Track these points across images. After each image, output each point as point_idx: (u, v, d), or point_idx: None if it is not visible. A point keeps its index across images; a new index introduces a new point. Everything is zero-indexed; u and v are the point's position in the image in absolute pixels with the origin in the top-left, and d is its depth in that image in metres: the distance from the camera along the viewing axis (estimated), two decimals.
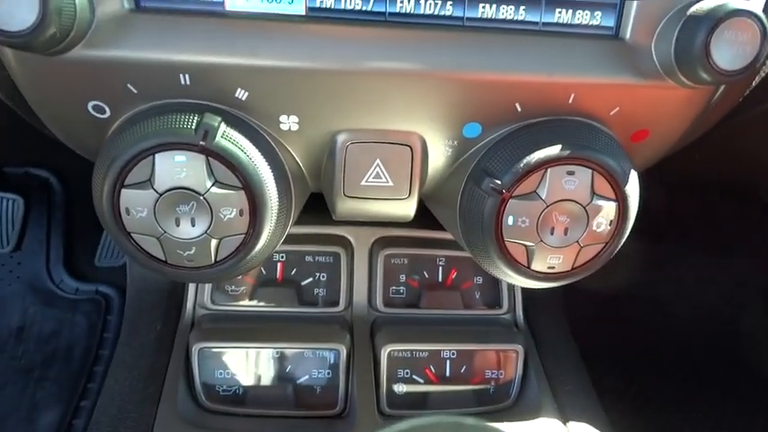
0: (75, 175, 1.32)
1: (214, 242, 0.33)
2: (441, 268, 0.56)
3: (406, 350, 0.51)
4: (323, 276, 0.55)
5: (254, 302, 0.54)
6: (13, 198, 1.17)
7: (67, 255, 1.31)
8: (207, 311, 0.54)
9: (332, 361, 0.51)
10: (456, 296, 0.56)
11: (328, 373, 0.51)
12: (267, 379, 0.50)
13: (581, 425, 0.48)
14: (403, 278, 0.56)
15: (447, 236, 0.55)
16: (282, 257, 0.54)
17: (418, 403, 0.50)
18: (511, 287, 0.57)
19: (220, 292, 0.54)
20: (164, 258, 0.34)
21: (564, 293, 0.73)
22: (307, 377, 0.51)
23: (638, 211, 0.36)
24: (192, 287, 0.54)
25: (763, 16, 0.30)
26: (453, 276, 0.56)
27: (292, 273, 0.55)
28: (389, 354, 0.50)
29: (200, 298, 0.54)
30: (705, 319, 1.29)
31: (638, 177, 0.36)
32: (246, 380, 0.50)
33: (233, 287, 0.54)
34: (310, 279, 0.55)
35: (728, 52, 0.30)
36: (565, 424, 0.48)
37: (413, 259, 0.56)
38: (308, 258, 0.55)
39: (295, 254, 0.54)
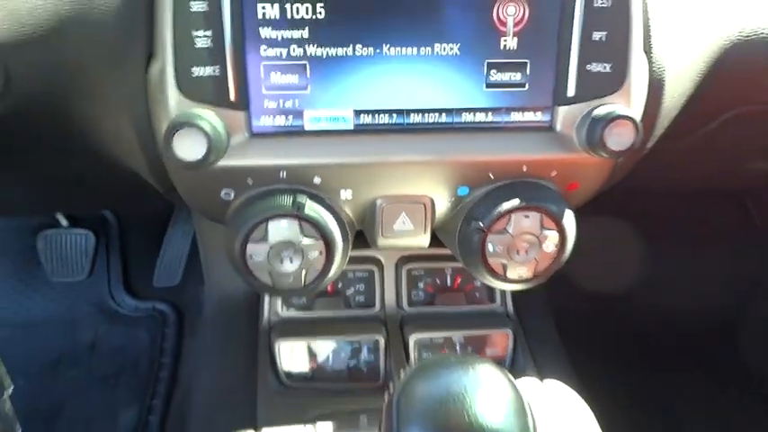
0: (127, 212, 1.52)
1: (304, 272, 0.53)
2: (449, 276, 0.76)
3: (427, 337, 0.70)
4: (361, 287, 0.75)
5: (313, 309, 0.74)
6: (84, 233, 1.38)
7: (125, 279, 1.52)
8: (278, 318, 0.74)
9: (373, 348, 0.70)
10: (461, 296, 0.76)
11: (372, 357, 0.70)
12: (329, 363, 0.70)
13: (554, 381, 0.67)
14: (421, 285, 0.75)
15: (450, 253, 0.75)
16: None
17: None
18: (503, 291, 0.77)
19: (288, 303, 0.74)
20: (271, 285, 0.54)
21: (548, 293, 0.92)
22: (356, 360, 0.70)
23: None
24: (266, 302, 0.74)
25: (636, 119, 0.49)
26: (459, 281, 0.76)
27: (339, 285, 0.74)
28: (416, 340, 0.70)
29: (274, 308, 0.74)
30: (696, 313, 1.46)
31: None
32: (314, 364, 0.70)
33: (297, 299, 0.74)
34: (352, 289, 0.74)
35: (616, 140, 0.50)
36: (542, 381, 0.67)
37: (428, 271, 0.75)
38: (350, 274, 0.74)
39: (342, 271, 0.74)
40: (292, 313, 0.74)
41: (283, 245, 0.51)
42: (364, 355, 0.70)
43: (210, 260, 0.84)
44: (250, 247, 0.51)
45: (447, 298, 0.75)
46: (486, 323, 0.73)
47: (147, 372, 1.35)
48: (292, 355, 0.70)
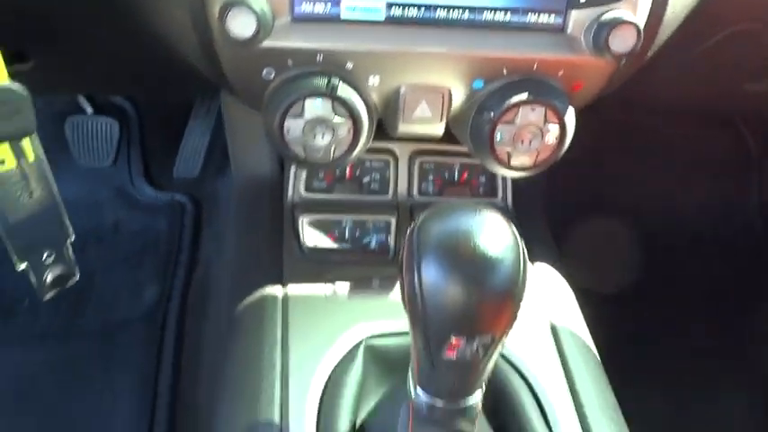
0: (144, 104, 1.58)
1: (333, 147, 0.61)
2: (456, 171, 0.84)
3: None
4: (377, 176, 0.82)
5: (333, 192, 0.82)
6: (108, 122, 1.44)
7: (146, 169, 1.60)
8: (300, 198, 0.82)
9: (385, 228, 0.79)
10: (466, 189, 0.84)
11: (383, 236, 0.79)
12: (345, 238, 0.79)
13: (542, 264, 0.77)
14: (431, 177, 0.83)
15: (460, 150, 0.82)
16: (351, 163, 0.82)
17: None
18: (504, 184, 0.85)
19: (310, 186, 0.82)
20: (304, 157, 0.61)
21: (544, 199, 0.99)
22: (369, 238, 0.79)
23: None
24: (291, 182, 0.82)
25: (639, 25, 0.55)
26: (465, 176, 0.84)
27: (357, 173, 0.82)
28: None
29: (297, 189, 0.82)
30: (685, 227, 1.55)
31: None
32: (332, 239, 0.79)
33: (318, 182, 0.82)
34: (369, 177, 0.82)
35: (619, 43, 0.56)
36: (531, 264, 0.77)
37: (438, 165, 0.83)
38: (368, 163, 0.82)
39: (359, 160, 0.81)
40: (313, 195, 0.82)
41: (317, 121, 0.59)
42: (377, 234, 0.79)
43: (238, 144, 0.91)
44: (288, 122, 0.59)
45: (453, 191, 0.84)
46: None
47: (167, 254, 1.46)
48: (313, 229, 0.79)
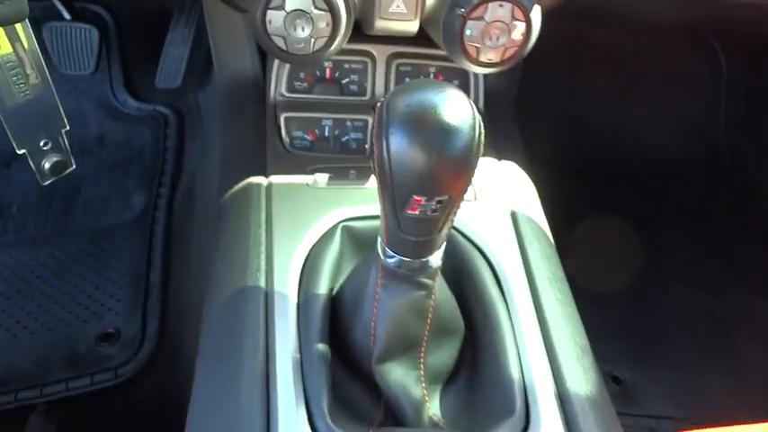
0: (121, 12, 1.56)
1: (313, 40, 0.64)
2: (432, 74, 0.88)
3: None
4: (355, 77, 0.86)
5: (313, 93, 0.86)
6: (87, 28, 1.43)
7: (127, 81, 1.61)
8: (282, 98, 0.86)
9: (362, 126, 0.84)
10: None
11: (360, 134, 0.84)
12: (325, 136, 0.84)
13: (509, 162, 0.83)
14: (407, 79, 0.87)
15: (436, 53, 0.86)
16: (330, 64, 0.85)
17: None
18: (477, 85, 0.89)
19: (291, 85, 0.86)
20: (285, 49, 0.65)
21: (516, 104, 1.04)
22: (347, 136, 0.84)
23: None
24: (273, 82, 0.85)
25: None
26: (440, 79, 0.88)
27: (336, 74, 0.86)
28: None
29: (279, 89, 0.86)
30: (656, 145, 1.61)
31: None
32: (312, 136, 0.83)
33: (299, 83, 0.86)
34: (348, 78, 0.86)
35: None
36: (499, 161, 0.83)
37: (414, 67, 0.87)
38: (346, 65, 0.85)
39: (339, 61, 0.85)
40: (295, 95, 0.86)
41: (297, 13, 0.62)
42: (355, 132, 0.84)
43: (221, 47, 0.93)
44: (269, 14, 0.62)
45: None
46: None
47: (152, 163, 1.49)
48: (294, 126, 0.83)
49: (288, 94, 0.86)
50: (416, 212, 0.46)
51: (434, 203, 0.46)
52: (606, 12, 0.94)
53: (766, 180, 1.57)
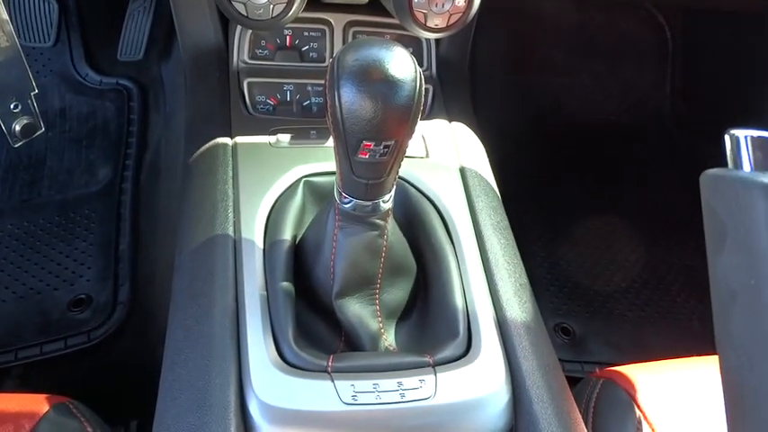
0: None
1: (272, 6, 0.69)
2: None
3: None
4: (315, 45, 0.91)
5: (275, 60, 0.91)
6: (47, 0, 1.43)
7: (88, 54, 1.61)
8: (245, 65, 0.90)
9: (323, 91, 0.89)
10: None
11: (321, 98, 0.90)
12: (288, 101, 0.88)
13: (460, 124, 0.89)
14: None
15: (390, 22, 0.91)
16: (290, 32, 0.90)
17: None
18: (429, 53, 0.95)
19: (253, 52, 0.90)
20: (246, 14, 0.69)
21: (467, 72, 1.10)
22: (308, 101, 0.90)
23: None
24: (236, 50, 0.89)
25: None
26: None
27: (296, 42, 0.91)
28: None
29: (241, 56, 0.90)
30: (597, 116, 1.69)
31: None
32: (275, 101, 0.88)
33: (260, 50, 0.90)
34: (307, 46, 0.91)
35: None
36: (450, 122, 0.89)
37: (370, 35, 0.92)
38: (306, 33, 0.90)
39: (298, 29, 0.89)
40: (257, 62, 0.90)
41: None
42: (316, 97, 0.89)
43: (183, 16, 0.96)
44: None
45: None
46: None
47: (116, 135, 1.51)
48: (257, 91, 0.88)
49: (250, 61, 0.90)
50: (366, 156, 0.52)
51: (382, 148, 0.52)
52: None
53: (707, 143, 1.68)
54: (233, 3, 0.68)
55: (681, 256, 1.52)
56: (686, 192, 1.64)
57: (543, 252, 1.41)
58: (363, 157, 0.52)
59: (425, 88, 0.93)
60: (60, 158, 1.46)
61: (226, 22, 0.94)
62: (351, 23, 0.91)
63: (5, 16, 0.64)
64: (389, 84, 0.49)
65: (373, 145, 0.52)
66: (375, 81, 0.49)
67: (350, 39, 0.91)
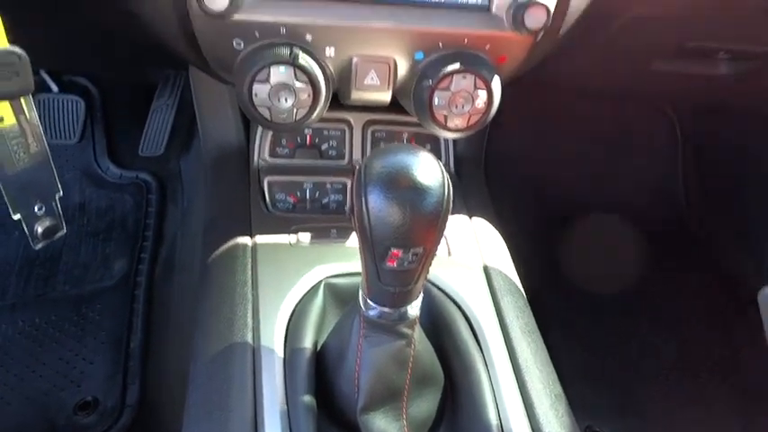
0: (107, 85, 1.63)
1: (295, 110, 0.70)
2: (405, 139, 0.94)
3: None
4: (334, 143, 0.92)
5: (295, 158, 0.91)
6: (75, 99, 1.49)
7: (110, 148, 1.65)
8: (265, 163, 0.91)
9: (342, 189, 0.89)
10: None
11: (340, 196, 0.89)
12: (306, 198, 0.88)
13: (480, 219, 0.88)
14: (382, 144, 0.93)
15: (408, 120, 0.92)
16: (310, 131, 0.91)
17: None
18: (447, 150, 0.96)
19: (273, 151, 0.91)
20: (269, 119, 0.70)
21: (484, 165, 1.11)
22: (327, 198, 0.89)
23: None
24: (257, 148, 0.91)
25: (548, 6, 0.66)
26: (413, 143, 0.94)
27: (316, 140, 0.92)
28: None
29: (262, 155, 0.91)
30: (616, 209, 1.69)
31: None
32: (294, 199, 0.88)
33: (280, 148, 0.91)
34: (327, 144, 0.92)
35: (532, 19, 0.67)
36: (470, 218, 0.88)
37: (388, 133, 0.93)
38: (325, 132, 0.91)
39: (318, 128, 0.91)
40: (277, 160, 0.91)
41: (281, 86, 0.68)
42: (334, 194, 0.89)
43: (206, 115, 0.99)
44: (255, 87, 0.68)
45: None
46: None
47: (134, 229, 1.52)
48: (277, 189, 0.88)
49: (270, 159, 0.91)
50: (395, 265, 0.51)
51: (411, 256, 0.50)
52: (561, 83, 1.03)
53: (722, 234, 1.65)
54: (257, 108, 0.69)
55: (712, 348, 1.46)
56: (708, 278, 1.60)
57: (569, 344, 1.35)
58: (391, 265, 0.51)
59: None
60: (77, 253, 1.46)
61: (247, 121, 0.96)
62: (369, 122, 0.92)
63: (36, 120, 0.65)
64: (417, 190, 0.48)
65: (401, 253, 0.50)
66: (403, 188, 0.48)
67: (369, 137, 0.93)
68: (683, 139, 1.76)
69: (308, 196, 0.88)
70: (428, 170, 0.49)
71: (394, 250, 0.50)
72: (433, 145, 0.95)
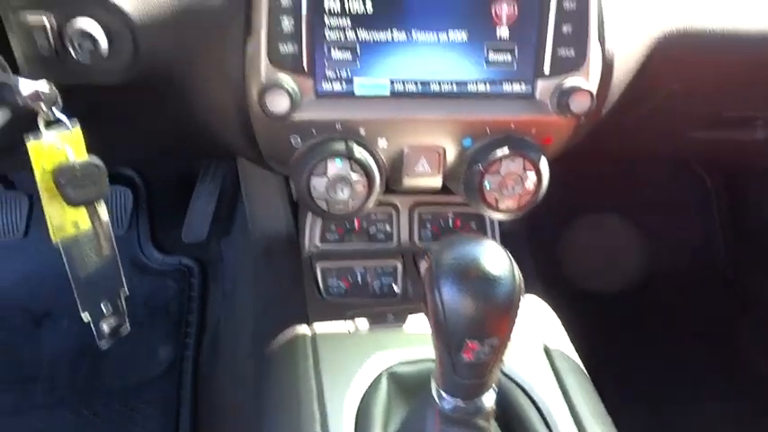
0: (152, 174, 1.70)
1: (351, 201, 0.72)
2: (450, 219, 0.96)
3: None
4: (382, 226, 0.94)
5: (344, 243, 0.93)
6: (122, 190, 1.55)
7: (153, 235, 1.70)
8: (316, 249, 0.93)
9: (392, 272, 0.90)
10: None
11: (392, 279, 0.90)
12: (358, 282, 0.89)
13: (531, 296, 0.88)
14: (429, 225, 0.95)
15: (452, 200, 0.94)
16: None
17: None
18: (492, 228, 0.97)
19: (323, 237, 0.93)
20: (327, 209, 0.73)
21: (528, 239, 1.12)
22: (379, 281, 0.90)
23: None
24: (307, 235, 0.93)
25: (592, 91, 0.69)
26: (458, 223, 0.96)
27: (364, 225, 0.94)
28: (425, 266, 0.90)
29: (313, 241, 0.93)
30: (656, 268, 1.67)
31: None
32: (347, 284, 0.89)
33: (330, 234, 0.93)
34: (375, 227, 0.94)
35: (577, 105, 0.69)
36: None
37: (434, 214, 0.95)
38: (374, 216, 0.94)
39: (366, 214, 0.93)
40: (328, 245, 0.93)
41: (338, 179, 0.71)
42: (385, 277, 0.90)
43: (255, 204, 1.02)
44: (313, 180, 0.71)
45: (448, 236, 0.96)
46: None
47: (177, 315, 1.54)
48: (330, 275, 0.89)
49: (321, 245, 0.93)
50: (471, 357, 0.51)
51: (487, 348, 0.50)
52: (599, 154, 1.05)
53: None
54: (315, 200, 0.72)
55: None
56: (757, 340, 1.55)
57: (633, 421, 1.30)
58: (468, 357, 0.51)
59: None
60: (123, 342, 1.47)
61: (295, 208, 0.99)
62: (415, 204, 0.95)
63: (108, 223, 0.68)
64: (489, 281, 0.49)
65: (477, 345, 0.50)
66: (475, 279, 0.49)
67: (416, 218, 0.94)
68: (717, 198, 1.75)
69: (360, 281, 0.90)
70: (497, 260, 0.50)
71: (470, 342, 0.50)
72: (479, 223, 0.96)
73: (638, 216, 1.69)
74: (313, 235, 0.93)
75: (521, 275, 0.52)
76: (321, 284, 0.88)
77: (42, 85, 0.58)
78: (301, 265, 0.91)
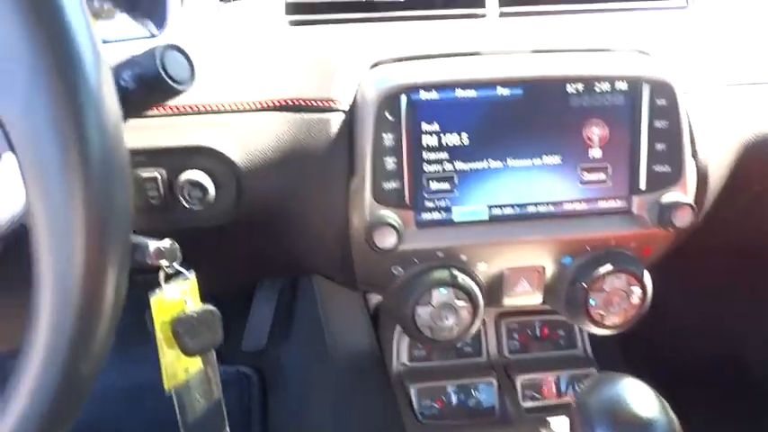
0: (216, 289, 1.70)
1: (456, 327, 0.72)
2: (537, 328, 0.94)
3: (529, 378, 0.88)
4: (470, 340, 0.92)
5: (433, 360, 0.91)
6: None
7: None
8: (404, 367, 0.91)
9: (487, 389, 0.88)
10: (549, 343, 0.94)
11: (484, 396, 0.88)
12: (452, 402, 0.87)
13: None
14: (516, 335, 0.93)
15: (541, 308, 0.93)
16: None
17: None
18: (582, 335, 0.95)
19: (412, 354, 0.91)
20: (431, 336, 0.72)
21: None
22: (474, 400, 0.87)
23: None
24: (394, 353, 0.92)
25: (693, 204, 0.69)
26: (546, 332, 0.94)
27: None
28: (522, 381, 0.87)
29: (400, 359, 0.91)
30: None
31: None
32: (441, 404, 0.87)
33: (417, 351, 0.92)
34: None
35: (680, 220, 0.69)
36: None
37: (520, 324, 0.94)
38: None
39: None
40: (416, 363, 0.91)
41: (443, 306, 0.70)
42: (480, 394, 0.88)
43: (336, 323, 1.02)
44: (419, 309, 0.70)
45: (537, 345, 0.94)
46: (572, 364, 0.91)
47: (240, 426, 1.50)
48: (423, 396, 0.87)
49: (410, 364, 0.91)
50: None
51: None
52: (702, 247, 1.04)
53: None
54: (420, 328, 0.71)
55: None
56: None
57: None
58: None
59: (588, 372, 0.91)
60: None
61: (377, 325, 0.99)
62: (501, 315, 0.93)
63: (216, 368, 0.68)
64: (643, 425, 0.47)
65: None
66: (626, 424, 0.47)
67: (503, 329, 0.93)
68: None
69: (453, 401, 0.87)
70: (647, 402, 0.49)
71: None
72: (567, 331, 0.94)
73: (724, 303, 1.64)
74: (401, 353, 0.91)
75: (672, 414, 0.50)
76: (416, 406, 0.86)
77: (165, 242, 0.60)
78: (391, 386, 0.89)
